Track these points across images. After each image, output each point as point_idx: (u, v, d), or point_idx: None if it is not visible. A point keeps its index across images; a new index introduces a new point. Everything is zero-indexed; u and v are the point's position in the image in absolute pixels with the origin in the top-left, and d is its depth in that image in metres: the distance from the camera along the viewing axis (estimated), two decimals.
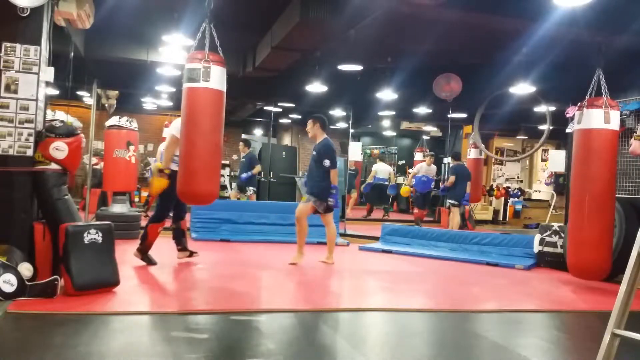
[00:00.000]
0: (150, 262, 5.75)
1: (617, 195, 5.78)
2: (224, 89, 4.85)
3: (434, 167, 11.64)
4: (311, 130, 6.41)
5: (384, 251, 7.73)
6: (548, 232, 7.11)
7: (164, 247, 7.30)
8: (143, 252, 5.76)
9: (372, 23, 6.37)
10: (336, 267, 6.21)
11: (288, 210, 8.83)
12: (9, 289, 3.87)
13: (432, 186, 11.42)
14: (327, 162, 6.16)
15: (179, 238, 6.09)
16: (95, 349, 3.07)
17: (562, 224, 7.15)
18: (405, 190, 11.91)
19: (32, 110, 4.39)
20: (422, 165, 11.46)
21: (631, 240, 2.31)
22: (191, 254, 6.11)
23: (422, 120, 14.77)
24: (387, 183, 13.72)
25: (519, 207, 14.42)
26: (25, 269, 4.08)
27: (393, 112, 12.96)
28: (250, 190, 10.51)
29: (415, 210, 11.32)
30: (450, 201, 10.12)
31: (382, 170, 13.64)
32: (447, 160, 12.42)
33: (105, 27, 7.38)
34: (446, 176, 9.96)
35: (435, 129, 15.83)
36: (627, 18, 5.56)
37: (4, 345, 3.14)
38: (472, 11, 5.74)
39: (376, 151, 17.42)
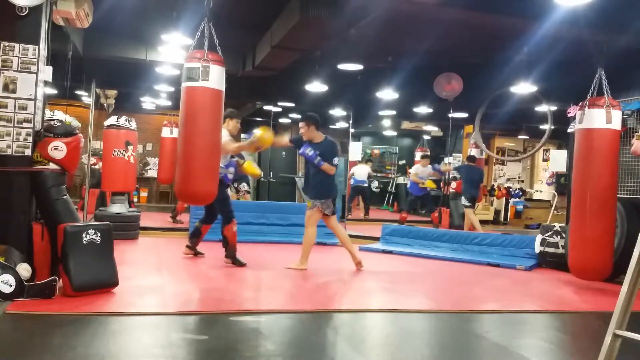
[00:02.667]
0: (240, 264, 5.93)
1: (619, 196, 5.76)
2: (223, 89, 4.83)
3: (429, 168, 11.41)
4: (306, 132, 6.01)
5: (384, 252, 7.70)
6: (549, 233, 7.08)
7: (162, 247, 7.29)
8: (232, 257, 5.95)
9: (372, 22, 6.35)
10: (336, 268, 6.19)
11: (287, 210, 8.83)
12: (7, 289, 3.86)
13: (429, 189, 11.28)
14: (336, 160, 5.92)
15: (195, 237, 6.30)
16: (94, 350, 3.05)
17: (563, 224, 7.12)
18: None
19: (31, 109, 4.38)
20: (417, 167, 11.37)
21: (633, 241, 2.29)
22: (196, 254, 6.31)
23: (423, 120, 14.73)
24: (365, 185, 13.73)
25: (520, 207, 14.39)
26: (24, 270, 4.07)
27: (393, 112, 12.92)
28: (243, 188, 10.36)
29: (403, 214, 11.20)
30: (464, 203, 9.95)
31: (359, 172, 13.68)
32: (447, 159, 12.37)
33: (104, 26, 7.35)
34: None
35: (436, 128, 15.79)
36: (629, 17, 5.54)
37: (2, 346, 3.12)
38: (473, 10, 5.72)
39: (377, 151, 17.39)
